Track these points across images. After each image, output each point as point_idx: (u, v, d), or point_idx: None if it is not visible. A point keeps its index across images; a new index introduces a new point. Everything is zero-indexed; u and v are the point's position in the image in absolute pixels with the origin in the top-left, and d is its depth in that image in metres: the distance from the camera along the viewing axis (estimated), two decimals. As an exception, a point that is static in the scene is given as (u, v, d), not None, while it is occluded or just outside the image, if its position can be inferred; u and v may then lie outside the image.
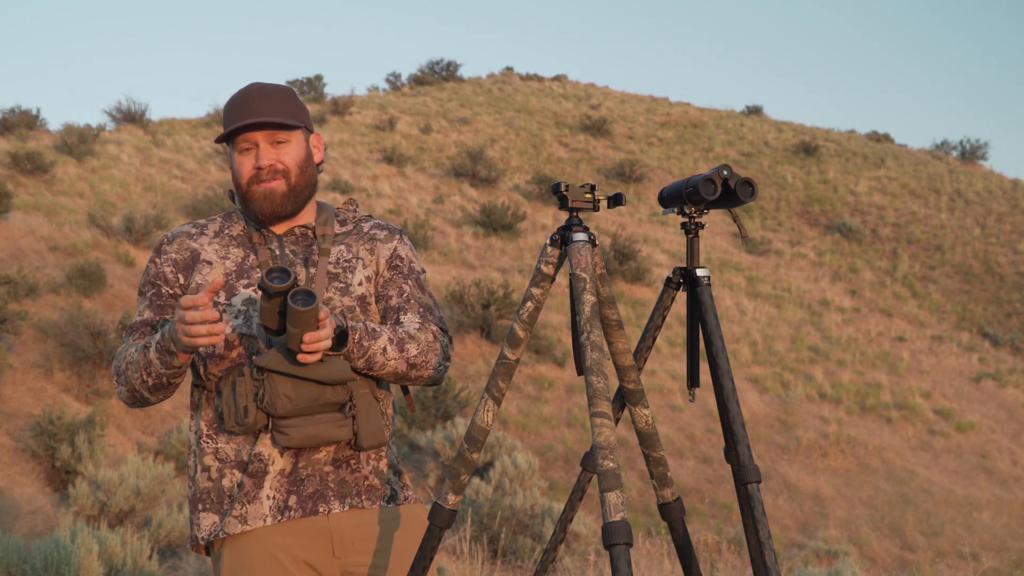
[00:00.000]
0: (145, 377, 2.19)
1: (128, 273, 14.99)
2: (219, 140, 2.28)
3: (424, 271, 2.42)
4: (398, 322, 2.30)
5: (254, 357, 2.18)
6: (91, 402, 11.28)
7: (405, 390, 2.44)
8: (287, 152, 2.27)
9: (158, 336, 2.15)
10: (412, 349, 2.24)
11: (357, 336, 2.15)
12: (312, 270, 2.28)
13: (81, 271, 13.74)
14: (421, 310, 2.32)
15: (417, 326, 2.28)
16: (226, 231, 2.35)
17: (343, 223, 2.39)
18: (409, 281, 2.35)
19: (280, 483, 2.23)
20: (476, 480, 9.65)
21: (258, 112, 2.25)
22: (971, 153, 37.04)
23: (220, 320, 2.04)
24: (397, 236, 2.40)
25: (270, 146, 2.26)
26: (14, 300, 12.23)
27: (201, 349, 2.22)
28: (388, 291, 2.33)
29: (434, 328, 2.31)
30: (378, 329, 2.21)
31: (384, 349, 2.20)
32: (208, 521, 2.25)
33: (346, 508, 2.26)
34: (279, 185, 2.26)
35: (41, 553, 5.40)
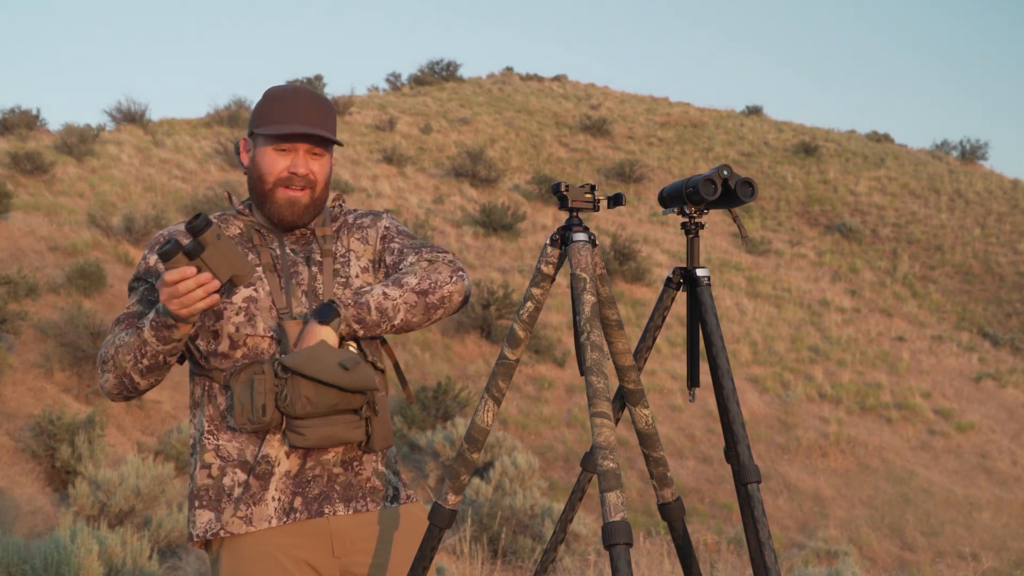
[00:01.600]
0: (139, 358, 2.16)
1: (128, 273, 14.99)
2: (262, 133, 2.27)
3: (417, 235, 2.47)
4: (397, 270, 2.34)
5: (280, 356, 2.17)
6: (91, 402, 11.27)
7: (403, 382, 2.44)
8: (321, 166, 2.30)
9: (151, 315, 2.13)
10: (411, 280, 2.25)
11: (349, 300, 2.18)
12: (314, 269, 2.30)
13: (81, 271, 13.74)
14: (414, 251, 2.34)
15: (410, 262, 2.31)
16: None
17: (334, 220, 2.42)
18: (398, 238, 2.38)
19: (286, 485, 2.23)
20: (476, 480, 9.65)
21: (311, 121, 2.26)
22: (971, 153, 37.03)
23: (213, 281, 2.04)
24: (383, 216, 2.44)
25: (309, 156, 2.28)
26: (14, 300, 12.23)
27: (198, 322, 2.23)
28: (384, 256, 2.36)
29: (426, 254, 2.32)
30: (366, 287, 2.26)
31: (384, 294, 2.21)
32: (204, 518, 2.24)
33: (351, 512, 2.26)
34: (304, 196, 2.28)
35: (41, 553, 5.40)
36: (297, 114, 2.26)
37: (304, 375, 2.11)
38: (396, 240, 2.37)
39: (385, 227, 2.40)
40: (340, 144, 2.32)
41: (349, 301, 2.17)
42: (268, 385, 2.13)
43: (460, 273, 2.31)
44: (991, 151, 77.74)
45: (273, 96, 2.30)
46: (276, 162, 2.27)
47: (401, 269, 2.30)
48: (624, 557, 1.79)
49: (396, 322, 2.22)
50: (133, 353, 2.16)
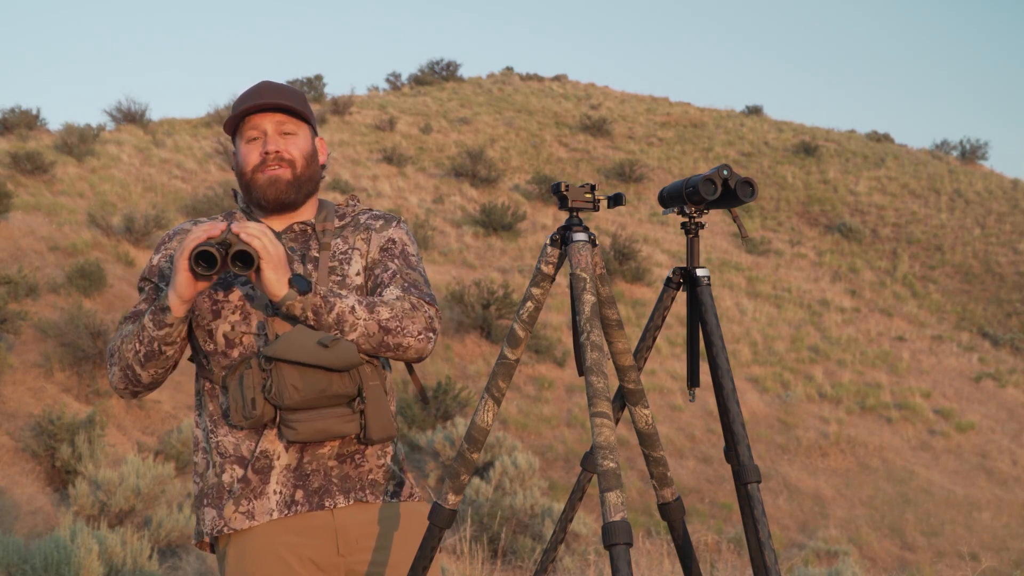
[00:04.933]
0: (138, 346, 2.21)
1: (128, 273, 14.99)
2: (228, 123, 2.32)
3: (419, 256, 2.41)
4: (380, 295, 2.29)
5: (261, 348, 2.18)
6: (91, 402, 11.27)
7: (417, 383, 2.43)
8: (294, 143, 2.32)
9: (156, 301, 2.21)
10: (384, 312, 2.19)
11: (323, 290, 2.16)
12: (309, 266, 2.30)
13: (81, 271, 13.73)
14: (405, 284, 2.29)
15: (396, 296, 2.26)
16: None
17: (342, 218, 2.41)
18: (397, 260, 2.34)
19: (286, 478, 2.23)
20: (476, 480, 9.65)
21: (270, 99, 2.30)
22: (971, 153, 37.04)
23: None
24: (394, 223, 2.41)
25: (278, 135, 2.30)
26: (14, 300, 12.23)
27: (203, 343, 2.25)
28: (376, 270, 2.33)
29: (414, 299, 2.26)
30: (345, 292, 2.22)
31: (352, 308, 2.17)
32: (210, 516, 2.26)
33: (351, 502, 2.26)
34: (284, 173, 2.29)
35: (41, 553, 5.40)
36: (257, 97, 2.31)
37: (285, 360, 2.11)
38: (395, 261, 2.33)
39: (391, 239, 2.36)
40: (304, 118, 2.33)
41: (320, 290, 2.16)
42: (255, 379, 2.15)
43: (430, 333, 2.24)
44: (991, 151, 77.80)
45: (239, 94, 2.37)
46: (249, 153, 2.31)
47: (383, 295, 2.26)
48: (624, 557, 1.79)
49: (347, 337, 2.18)
50: (133, 342, 2.21)
